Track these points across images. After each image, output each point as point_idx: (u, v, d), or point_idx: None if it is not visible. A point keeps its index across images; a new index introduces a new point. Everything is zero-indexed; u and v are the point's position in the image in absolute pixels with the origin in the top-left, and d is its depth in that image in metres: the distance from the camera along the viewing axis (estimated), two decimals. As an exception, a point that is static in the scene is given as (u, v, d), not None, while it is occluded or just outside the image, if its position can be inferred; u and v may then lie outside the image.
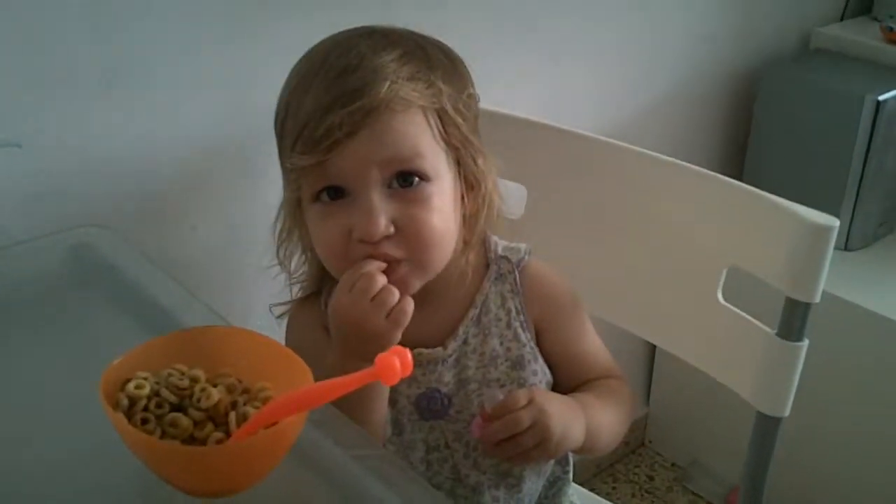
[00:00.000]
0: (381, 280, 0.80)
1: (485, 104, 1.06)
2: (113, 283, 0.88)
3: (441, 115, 0.84)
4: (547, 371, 0.94)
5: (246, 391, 0.65)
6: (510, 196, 0.99)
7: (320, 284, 0.94)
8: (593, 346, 0.98)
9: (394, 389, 0.91)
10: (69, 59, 0.95)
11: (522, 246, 0.95)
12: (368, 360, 0.77)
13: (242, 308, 1.18)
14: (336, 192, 0.83)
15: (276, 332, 0.93)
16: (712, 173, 1.00)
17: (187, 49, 1.03)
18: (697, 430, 1.95)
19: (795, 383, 0.95)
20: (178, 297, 0.85)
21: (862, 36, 1.79)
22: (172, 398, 0.62)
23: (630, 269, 1.09)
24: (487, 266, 0.93)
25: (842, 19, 1.91)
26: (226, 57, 1.06)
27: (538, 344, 0.94)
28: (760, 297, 0.96)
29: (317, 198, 0.84)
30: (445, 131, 0.85)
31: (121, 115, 1.00)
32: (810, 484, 1.72)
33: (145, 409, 0.61)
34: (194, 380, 0.64)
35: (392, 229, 0.82)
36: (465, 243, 0.89)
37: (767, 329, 0.95)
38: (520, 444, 0.82)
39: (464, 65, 0.90)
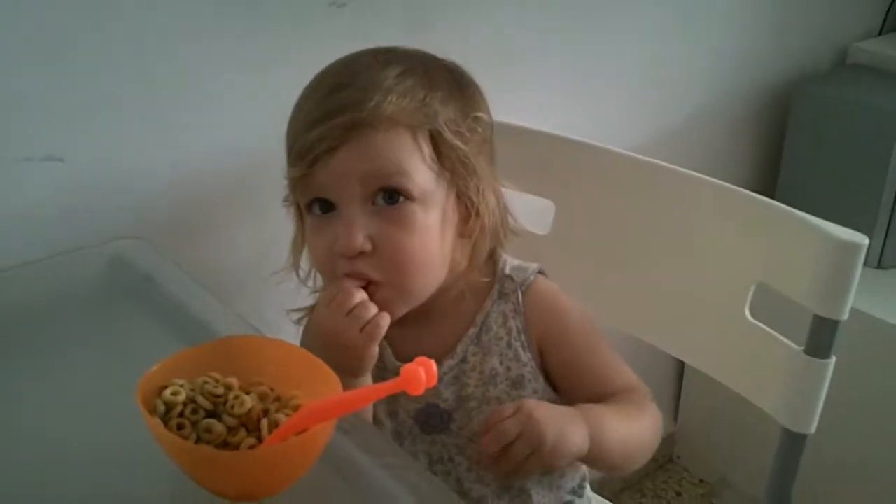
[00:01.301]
0: (360, 296, 0.81)
1: (515, 120, 1.07)
2: (149, 293, 0.90)
3: (434, 136, 0.84)
4: (550, 390, 0.93)
5: (277, 399, 0.67)
6: (539, 212, 1.00)
7: None
8: (607, 361, 0.95)
9: (394, 401, 0.92)
10: (110, 78, 0.97)
11: (532, 266, 0.94)
12: (345, 372, 0.77)
13: (275, 318, 1.19)
14: (326, 205, 0.84)
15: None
16: (740, 189, 1.00)
17: (225, 67, 1.05)
18: (726, 447, 1.95)
19: (822, 400, 0.94)
20: (213, 308, 0.87)
21: (899, 51, 1.78)
22: (207, 405, 0.64)
23: (658, 285, 1.10)
24: (492, 284, 0.93)
25: (879, 34, 1.90)
26: (259, 75, 1.08)
27: (545, 363, 0.93)
28: (788, 313, 0.96)
29: (309, 209, 0.86)
30: (439, 153, 0.84)
31: (157, 131, 1.03)
32: (836, 502, 1.70)
33: (181, 414, 0.63)
34: (228, 387, 0.65)
35: (370, 247, 0.82)
36: (469, 266, 0.89)
37: (795, 346, 0.95)
38: (512, 455, 0.81)
39: (476, 88, 0.90)
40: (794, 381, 0.96)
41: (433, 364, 0.58)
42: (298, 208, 0.89)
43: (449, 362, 0.91)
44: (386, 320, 0.82)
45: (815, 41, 1.83)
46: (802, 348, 0.94)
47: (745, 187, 1.00)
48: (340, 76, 0.85)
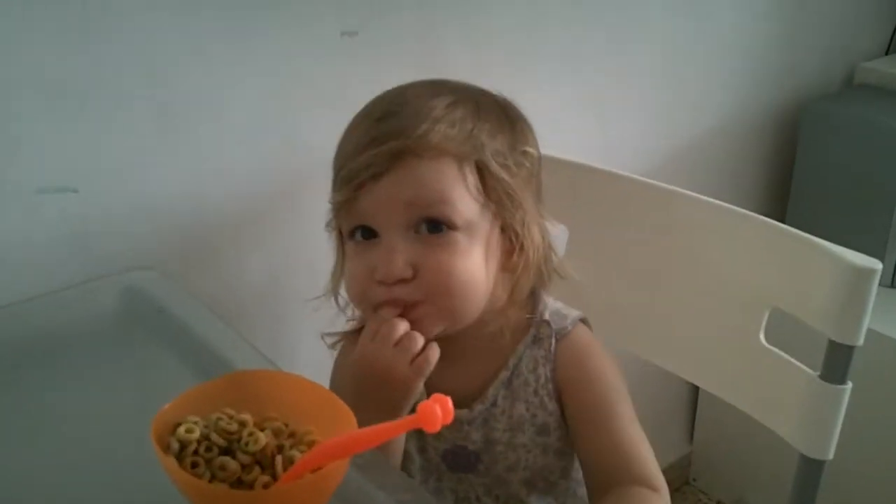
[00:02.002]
0: (403, 326, 0.81)
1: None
2: (162, 324, 0.90)
3: (481, 167, 0.83)
4: None
5: (292, 435, 0.66)
6: (552, 237, 0.99)
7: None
8: (626, 441, 0.88)
9: (423, 439, 0.91)
10: (123, 104, 0.98)
11: (573, 313, 0.92)
12: (385, 411, 0.79)
13: (290, 345, 1.20)
14: (369, 233, 0.84)
15: (323, 370, 0.95)
16: (754, 214, 1.00)
17: (238, 94, 1.06)
18: (742, 468, 1.93)
19: (839, 426, 0.94)
20: (226, 338, 0.87)
21: (908, 70, 1.78)
22: (221, 442, 0.63)
23: (672, 309, 1.09)
24: (529, 327, 0.91)
25: (887, 53, 1.90)
26: (271, 104, 1.09)
27: (565, 415, 0.91)
28: (803, 338, 0.95)
29: (351, 236, 0.85)
30: (484, 184, 0.83)
31: (171, 158, 1.03)
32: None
33: (195, 452, 0.63)
34: (242, 423, 0.65)
35: (410, 272, 0.81)
36: (509, 302, 0.88)
37: (810, 371, 0.95)
38: None
39: (526, 123, 0.89)
40: (810, 407, 0.95)
41: (449, 401, 0.57)
42: (340, 234, 0.88)
43: (479, 406, 0.89)
44: (435, 353, 0.81)
45: (822, 62, 1.83)
46: (818, 373, 0.94)
47: (755, 207, 1.01)
48: (390, 104, 0.85)
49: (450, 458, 0.91)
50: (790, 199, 1.78)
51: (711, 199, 1.04)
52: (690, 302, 1.07)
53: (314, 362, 0.96)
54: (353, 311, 0.95)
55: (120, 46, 0.95)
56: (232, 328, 0.88)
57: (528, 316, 0.91)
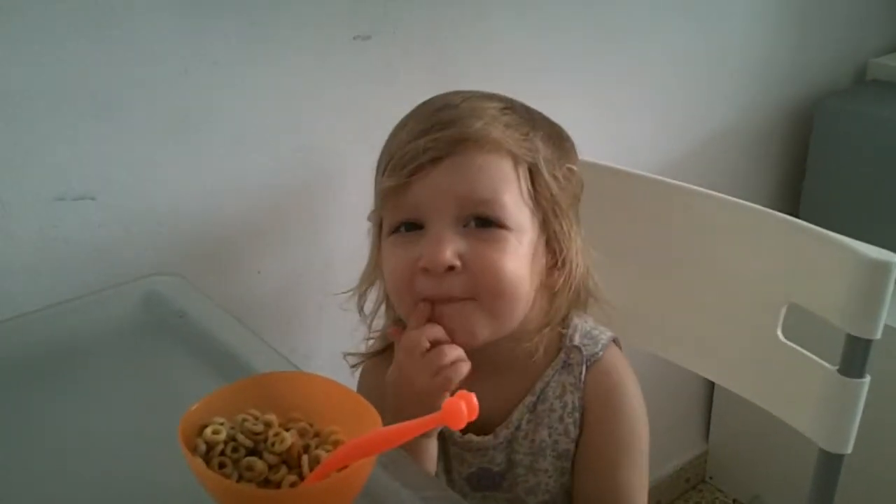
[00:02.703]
0: (435, 332, 0.79)
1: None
2: (184, 329, 0.91)
3: (533, 170, 0.82)
4: None
5: (317, 435, 0.67)
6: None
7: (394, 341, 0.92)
8: (625, 494, 0.88)
9: (448, 463, 0.90)
10: (138, 111, 0.98)
11: (604, 336, 0.90)
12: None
13: (306, 350, 1.20)
14: (413, 227, 0.82)
15: (339, 374, 0.94)
16: (770, 210, 1.00)
17: (253, 100, 1.06)
18: (758, 466, 1.93)
19: (858, 420, 0.94)
20: (248, 342, 0.87)
21: (919, 66, 1.78)
22: (248, 443, 0.64)
23: (689, 307, 1.10)
24: (559, 350, 0.89)
25: (897, 48, 1.91)
26: (291, 108, 1.10)
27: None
28: (821, 333, 0.95)
29: (395, 230, 0.83)
30: (535, 189, 0.83)
31: (187, 164, 1.04)
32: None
33: (222, 453, 0.63)
34: (268, 424, 0.65)
35: (459, 263, 0.79)
36: (545, 320, 0.86)
37: (829, 366, 0.95)
38: None
39: (571, 143, 0.89)
40: (829, 401, 0.95)
41: (474, 397, 0.57)
42: (380, 229, 0.86)
43: (504, 432, 0.88)
44: (466, 366, 0.79)
45: (834, 58, 1.83)
46: (836, 368, 0.94)
47: (768, 204, 1.01)
48: (446, 100, 0.83)
49: (475, 481, 0.91)
50: (803, 196, 1.78)
51: (726, 196, 1.04)
52: (707, 299, 1.08)
53: (330, 367, 0.96)
54: (375, 322, 0.94)
55: (135, 54, 0.96)
56: (253, 332, 0.89)
57: (560, 338, 0.89)
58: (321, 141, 1.13)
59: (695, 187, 1.06)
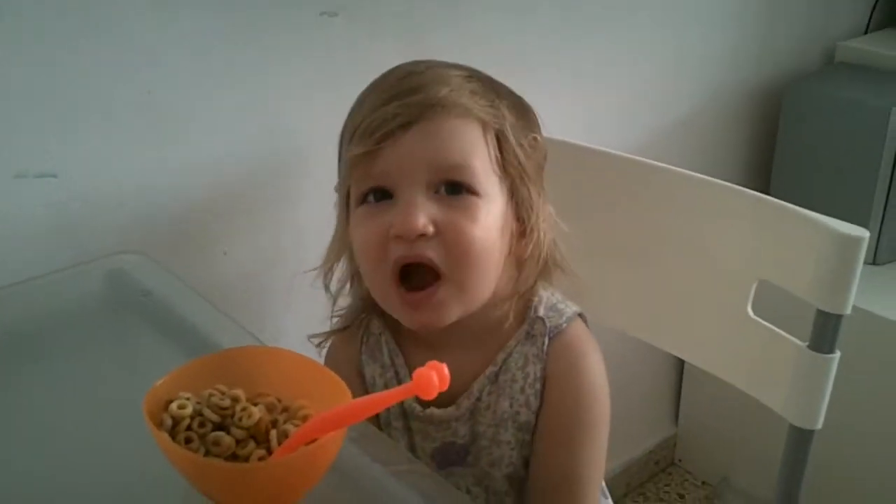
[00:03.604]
0: None
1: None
2: (149, 307, 0.90)
3: (500, 137, 0.82)
4: None
5: (285, 410, 0.66)
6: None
7: (360, 317, 0.92)
8: (579, 473, 0.87)
9: (411, 439, 0.89)
10: (102, 89, 0.97)
11: (569, 310, 0.89)
12: None
13: (273, 332, 1.19)
14: (382, 196, 0.81)
15: (306, 354, 0.94)
16: (739, 188, 1.00)
17: (219, 78, 1.05)
18: (727, 448, 1.95)
19: (828, 395, 0.94)
20: (214, 319, 0.86)
21: (887, 48, 1.78)
22: (215, 417, 0.63)
23: (659, 285, 1.10)
24: (522, 322, 0.88)
25: (866, 32, 1.91)
26: (257, 86, 1.08)
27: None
28: (791, 310, 0.96)
29: (363, 200, 0.82)
30: (502, 156, 0.82)
31: (150, 143, 1.02)
32: (843, 499, 1.70)
33: (189, 428, 0.62)
34: (235, 399, 0.64)
35: (431, 229, 0.78)
36: (512, 290, 0.86)
37: (799, 342, 0.95)
38: None
39: (534, 113, 0.88)
40: (799, 377, 0.95)
41: (445, 368, 0.57)
42: (346, 201, 0.85)
43: (466, 402, 0.88)
44: None
45: (802, 41, 1.84)
46: (807, 344, 0.94)
47: (739, 185, 1.01)
48: (410, 68, 0.83)
49: (440, 457, 0.90)
50: (772, 177, 1.79)
51: (695, 174, 1.04)
52: (677, 276, 1.08)
53: (299, 350, 0.94)
54: (339, 300, 0.92)
55: (99, 31, 0.94)
56: (219, 309, 0.87)
57: (525, 310, 0.88)
58: (288, 120, 1.12)
59: (664, 165, 1.06)
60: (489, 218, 0.81)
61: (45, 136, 0.95)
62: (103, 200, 1.00)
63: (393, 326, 0.91)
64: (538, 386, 0.87)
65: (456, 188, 0.80)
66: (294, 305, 1.19)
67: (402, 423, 0.89)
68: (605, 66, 1.49)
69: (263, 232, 1.15)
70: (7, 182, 0.93)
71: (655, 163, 1.07)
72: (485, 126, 0.81)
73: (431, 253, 0.79)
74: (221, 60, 1.04)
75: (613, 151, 1.10)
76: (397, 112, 0.78)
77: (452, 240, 0.79)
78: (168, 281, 0.93)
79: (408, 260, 0.79)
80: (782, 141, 1.76)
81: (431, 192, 0.79)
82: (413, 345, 0.90)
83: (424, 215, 0.78)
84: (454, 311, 0.82)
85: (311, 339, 0.93)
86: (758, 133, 1.84)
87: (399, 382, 0.89)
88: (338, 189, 0.87)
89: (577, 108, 1.46)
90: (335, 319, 0.93)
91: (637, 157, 1.09)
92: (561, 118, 1.37)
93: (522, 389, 0.87)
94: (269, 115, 1.11)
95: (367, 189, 0.81)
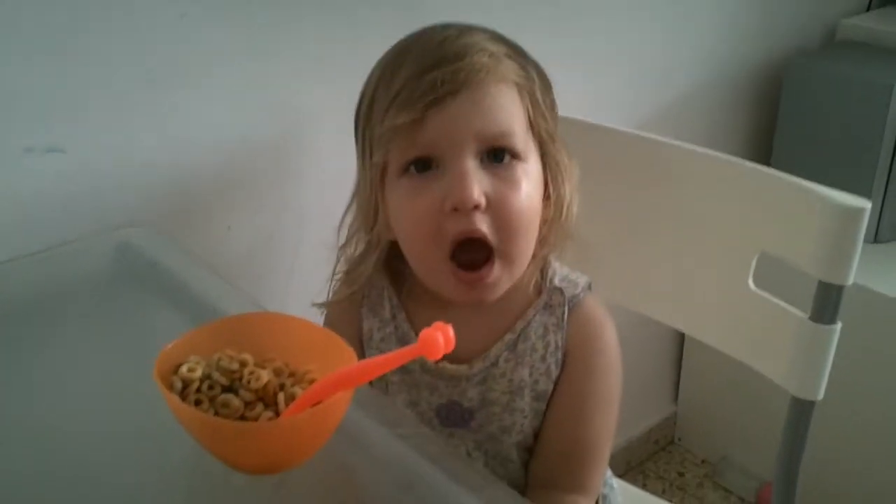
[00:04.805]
0: None
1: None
2: (156, 278, 0.90)
3: (532, 101, 0.82)
4: None
5: (292, 374, 0.67)
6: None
7: (366, 286, 0.91)
8: (589, 444, 0.88)
9: (417, 394, 0.89)
10: (108, 63, 0.97)
11: (582, 279, 0.90)
12: None
13: (276, 307, 1.19)
14: (425, 166, 0.79)
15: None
16: (739, 160, 1.01)
17: (224, 52, 1.05)
18: (727, 427, 1.96)
19: (829, 366, 0.95)
20: (220, 289, 0.87)
21: (888, 26, 1.79)
22: (223, 380, 0.64)
23: (660, 258, 1.10)
24: (539, 293, 0.88)
25: (868, 10, 1.92)
26: (262, 60, 1.09)
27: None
28: (791, 283, 0.96)
29: (404, 171, 0.80)
30: (534, 120, 0.82)
31: (158, 117, 1.03)
32: (842, 473, 1.72)
33: (198, 391, 0.63)
34: (243, 363, 0.65)
35: (484, 201, 0.77)
36: (534, 254, 0.85)
37: (800, 313, 0.95)
38: None
39: (550, 81, 0.88)
40: (801, 348, 0.96)
41: (450, 329, 0.57)
42: (381, 172, 0.83)
43: (479, 365, 0.88)
44: None
45: (804, 18, 1.84)
46: (808, 315, 0.94)
47: (739, 160, 1.01)
48: (443, 33, 0.81)
49: (443, 414, 0.90)
50: (773, 155, 1.79)
51: (697, 147, 1.04)
52: (678, 250, 1.08)
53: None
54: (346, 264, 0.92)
55: (105, 7, 0.95)
56: (225, 280, 0.88)
57: (540, 280, 0.89)
58: (292, 95, 1.12)
59: (666, 139, 1.07)
60: (531, 184, 0.81)
61: (53, 112, 0.95)
62: (110, 175, 1.01)
63: (398, 283, 0.90)
64: (559, 355, 0.88)
65: (500, 155, 0.80)
66: (297, 282, 1.20)
67: (407, 378, 0.89)
68: (607, 43, 1.49)
69: (267, 208, 1.16)
70: (16, 157, 0.94)
71: (657, 137, 1.07)
72: (520, 90, 0.81)
73: (484, 227, 0.78)
74: (224, 37, 1.05)
75: (615, 127, 1.11)
76: (445, 79, 0.77)
77: (501, 213, 0.79)
78: (174, 253, 0.94)
79: (465, 235, 0.79)
80: (783, 119, 1.76)
81: (478, 161, 0.79)
82: (416, 303, 0.90)
83: (478, 187, 0.77)
84: (504, 286, 0.82)
85: (316, 306, 0.93)
86: (759, 112, 1.84)
87: (398, 338, 0.89)
88: (364, 159, 0.85)
89: (580, 86, 1.46)
90: (336, 282, 0.92)
91: (639, 132, 1.09)
92: (564, 95, 1.37)
93: (543, 358, 0.88)
94: (277, 91, 1.11)
95: (410, 159, 0.80)
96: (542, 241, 0.85)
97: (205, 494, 0.66)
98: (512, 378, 0.88)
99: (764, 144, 1.85)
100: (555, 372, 0.88)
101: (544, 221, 0.85)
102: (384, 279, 0.90)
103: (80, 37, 0.94)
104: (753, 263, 1.00)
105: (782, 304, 0.98)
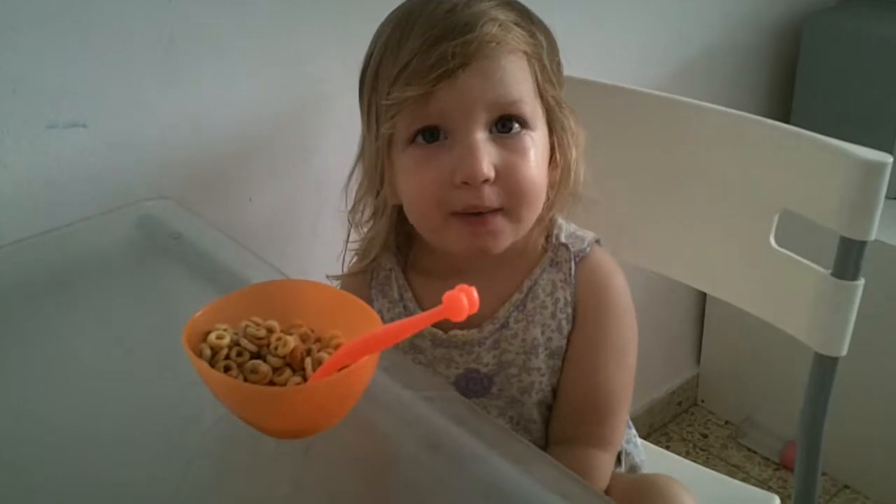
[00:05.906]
0: None
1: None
2: (180, 250, 0.91)
3: (540, 66, 0.82)
4: None
5: (318, 340, 0.67)
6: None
7: (376, 258, 0.92)
8: (606, 395, 0.89)
9: (434, 368, 0.90)
10: (128, 38, 0.97)
11: (589, 235, 0.91)
12: None
13: (300, 275, 1.20)
14: (432, 136, 0.80)
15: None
16: (760, 118, 1.00)
17: (245, 24, 1.05)
18: (749, 387, 1.96)
19: (852, 322, 0.95)
20: (244, 258, 0.87)
21: (905, -19, 1.76)
22: (251, 347, 0.64)
23: (681, 218, 1.10)
24: (545, 251, 0.89)
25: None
26: (282, 31, 1.09)
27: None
28: (813, 241, 0.96)
29: (412, 140, 0.81)
30: (542, 86, 0.82)
31: (179, 91, 1.03)
32: (866, 430, 1.72)
33: (226, 357, 0.64)
34: (270, 329, 0.66)
35: (493, 174, 0.78)
36: (539, 219, 0.86)
37: (822, 270, 0.95)
38: None
39: (558, 46, 0.88)
40: (823, 304, 0.96)
41: (474, 291, 0.57)
42: (388, 140, 0.83)
43: (490, 327, 0.88)
44: None
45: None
46: (830, 271, 0.94)
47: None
48: (447, 4, 0.80)
49: (463, 385, 0.91)
50: (792, 112, 1.78)
51: (716, 106, 1.04)
52: (699, 209, 1.08)
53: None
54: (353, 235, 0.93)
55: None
56: (248, 249, 0.89)
57: (546, 239, 0.89)
58: (315, 67, 1.12)
59: (684, 98, 1.06)
60: (538, 153, 0.82)
61: (74, 87, 0.96)
62: (131, 150, 1.01)
63: (403, 263, 0.92)
64: (569, 310, 0.88)
65: (508, 124, 0.80)
66: (319, 251, 1.21)
67: (421, 356, 0.90)
68: (625, 5, 1.48)
69: (286, 179, 1.16)
70: (39, 133, 0.95)
71: (675, 96, 1.07)
72: (529, 58, 0.81)
73: (494, 199, 0.80)
74: (243, 7, 1.05)
75: (632, 87, 1.10)
76: (455, 51, 0.77)
77: (513, 184, 0.80)
78: (197, 224, 0.94)
79: (475, 209, 0.80)
80: (802, 76, 1.75)
81: (487, 131, 0.80)
82: (423, 281, 0.91)
83: (487, 160, 0.78)
84: (508, 240, 0.83)
85: (329, 278, 0.94)
86: (778, 69, 1.83)
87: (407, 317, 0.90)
88: (370, 126, 0.85)
89: (598, 46, 1.45)
90: (350, 254, 0.94)
91: (656, 92, 1.09)
92: (582, 57, 1.36)
93: (553, 315, 0.88)
94: (297, 63, 1.11)
95: (418, 128, 0.81)
96: (548, 204, 0.86)
97: (235, 460, 0.67)
98: (525, 338, 0.88)
99: (784, 102, 1.83)
100: (566, 327, 0.88)
101: (551, 186, 0.86)
102: (391, 260, 0.91)
103: (99, 11, 0.95)
104: (775, 221, 1.00)
105: (804, 260, 0.98)
